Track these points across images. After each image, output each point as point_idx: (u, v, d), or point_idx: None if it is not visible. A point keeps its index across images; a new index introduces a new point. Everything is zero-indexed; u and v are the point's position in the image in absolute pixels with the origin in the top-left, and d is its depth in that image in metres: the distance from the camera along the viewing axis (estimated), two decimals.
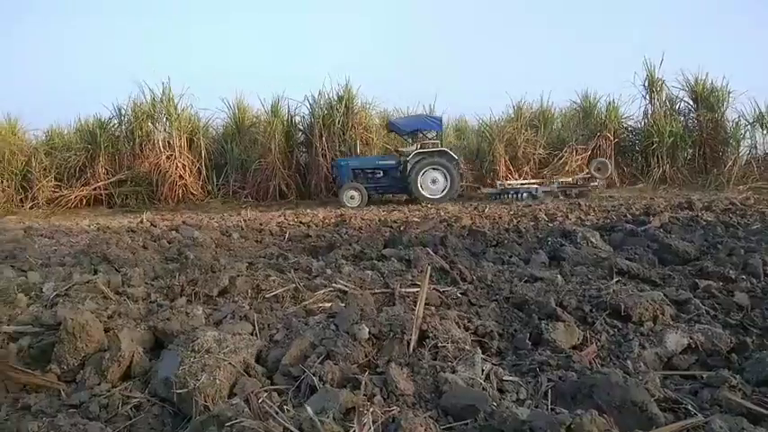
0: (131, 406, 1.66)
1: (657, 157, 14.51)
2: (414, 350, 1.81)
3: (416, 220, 6.94)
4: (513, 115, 16.05)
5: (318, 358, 1.75)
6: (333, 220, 7.73)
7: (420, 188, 12.02)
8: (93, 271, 3.86)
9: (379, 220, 7.40)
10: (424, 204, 11.25)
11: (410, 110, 16.84)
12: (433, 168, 12.07)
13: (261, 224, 7.54)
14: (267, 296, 2.69)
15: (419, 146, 12.65)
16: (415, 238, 4.46)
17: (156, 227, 7.54)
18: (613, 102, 15.63)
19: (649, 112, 15.61)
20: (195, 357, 1.69)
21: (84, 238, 6.47)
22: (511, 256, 3.60)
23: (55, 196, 15.34)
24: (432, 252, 3.53)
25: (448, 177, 12.07)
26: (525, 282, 2.78)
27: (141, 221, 8.70)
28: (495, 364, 1.79)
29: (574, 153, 14.76)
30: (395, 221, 7.06)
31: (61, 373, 1.89)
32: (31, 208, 15.21)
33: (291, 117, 16.31)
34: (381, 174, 12.92)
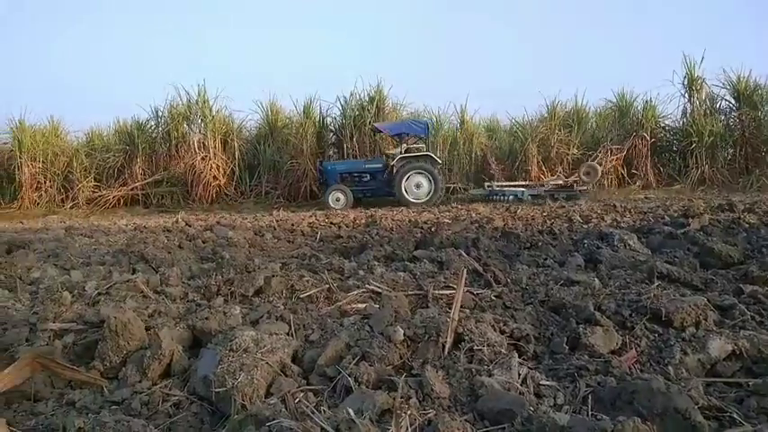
0: (171, 404, 1.70)
1: (696, 157, 14.11)
2: (449, 353, 1.80)
3: (447, 221, 6.90)
4: (546, 115, 15.83)
5: (354, 359, 1.76)
6: (363, 221, 7.75)
7: (404, 192, 12.24)
8: (131, 270, 3.97)
9: (409, 221, 7.39)
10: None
11: (441, 110, 16.81)
12: (418, 172, 12.27)
13: (293, 224, 7.61)
14: (301, 296, 2.72)
15: (404, 150, 12.78)
16: (447, 240, 4.44)
17: (190, 227, 7.70)
18: (650, 100, 15.27)
19: (688, 110, 15.19)
20: (233, 356, 1.72)
21: (121, 237, 6.63)
22: (546, 259, 3.54)
23: (94, 196, 15.83)
24: (464, 254, 3.51)
25: (432, 181, 12.25)
26: (561, 285, 2.73)
27: (176, 221, 8.91)
28: (532, 369, 1.76)
29: (608, 153, 14.46)
30: (425, 222, 7.04)
31: (104, 370, 1.95)
32: (71, 208, 15.74)
33: (323, 118, 16.47)
34: (368, 177, 13.11)
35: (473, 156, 15.86)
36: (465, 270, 2.14)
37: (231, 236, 5.84)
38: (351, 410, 1.31)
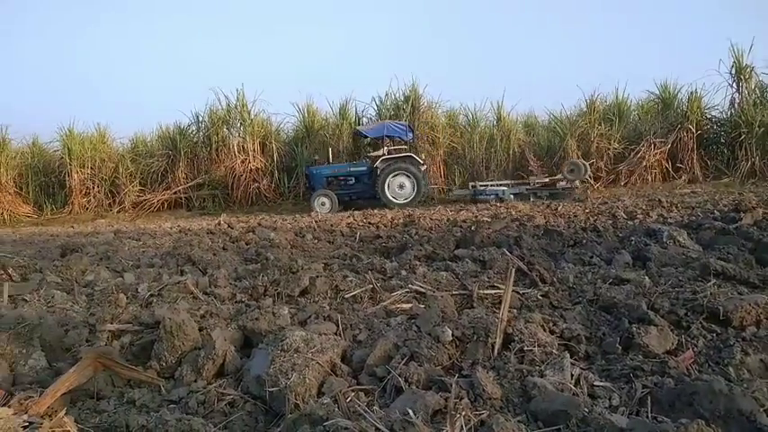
0: (226, 403, 1.74)
1: (746, 149, 13.55)
2: (498, 353, 1.79)
3: (487, 219, 6.84)
4: (585, 109, 15.48)
5: (402, 359, 1.76)
6: (401, 221, 7.76)
7: (388, 193, 12.50)
8: (179, 272, 4.09)
9: (447, 220, 7.35)
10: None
11: (477, 107, 16.68)
12: (400, 174, 12.49)
13: (331, 225, 7.68)
14: (346, 296, 2.75)
15: (386, 152, 12.93)
16: (488, 238, 4.40)
17: (233, 228, 7.87)
18: (696, 91, 14.71)
19: (736, 101, 14.59)
20: (285, 356, 1.75)
21: (167, 240, 6.83)
22: (592, 257, 3.47)
23: (139, 200, 16.37)
24: (507, 252, 3.47)
25: (414, 182, 12.48)
26: (610, 284, 2.67)
27: (219, 223, 9.12)
28: (584, 369, 1.73)
29: (652, 147, 14.04)
30: (464, 221, 6.99)
31: (160, 370, 2.01)
32: (118, 212, 16.34)
33: (359, 119, 16.56)
34: (354, 180, 13.38)
35: (511, 152, 15.67)
36: (513, 269, 2.11)
37: (273, 237, 5.94)
38: (410, 411, 1.31)
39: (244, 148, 16.07)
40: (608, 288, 2.56)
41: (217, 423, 1.62)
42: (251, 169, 15.84)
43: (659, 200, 8.29)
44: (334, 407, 1.52)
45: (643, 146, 14.13)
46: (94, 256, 5.12)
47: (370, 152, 14.28)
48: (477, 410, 1.45)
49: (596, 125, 14.70)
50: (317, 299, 2.80)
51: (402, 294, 2.64)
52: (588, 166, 12.69)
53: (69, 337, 2.33)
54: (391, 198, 12.47)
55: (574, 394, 1.55)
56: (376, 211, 10.91)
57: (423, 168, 12.75)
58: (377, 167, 12.68)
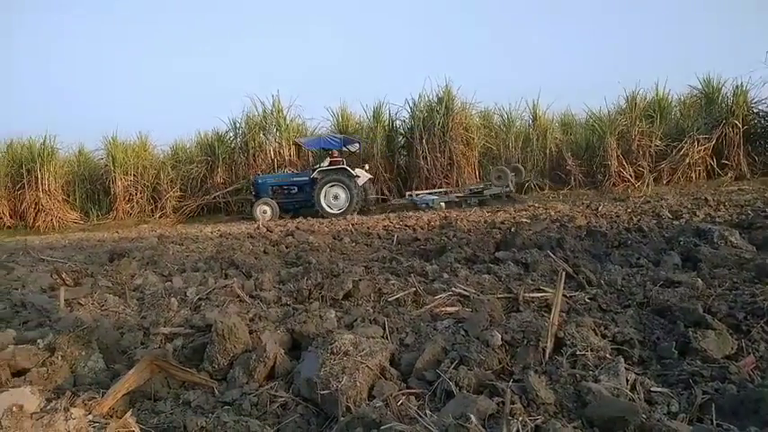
0: (278, 404, 1.77)
1: None
2: (550, 358, 1.77)
3: (526, 220, 6.75)
4: (625, 106, 15.08)
5: (452, 363, 1.76)
6: (438, 223, 7.73)
7: (323, 203, 12.90)
8: (223, 275, 4.18)
9: (485, 222, 7.29)
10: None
11: (512, 106, 16.50)
12: (335, 185, 12.89)
13: (368, 228, 7.71)
14: (389, 300, 2.75)
15: (327, 163, 13.37)
16: (529, 240, 4.34)
17: (272, 232, 7.99)
18: (741, 85, 14.13)
19: None
20: (334, 360, 1.77)
21: (209, 244, 6.97)
22: (638, 258, 3.38)
23: (179, 205, 16.78)
24: (551, 254, 3.42)
25: (347, 193, 12.84)
26: (660, 286, 2.60)
27: (258, 227, 9.26)
28: (639, 374, 1.69)
29: (695, 144, 13.58)
30: (502, 223, 6.92)
31: (212, 372, 2.06)
32: (159, 217, 16.79)
33: (392, 121, 16.60)
34: (296, 189, 13.88)
35: (547, 152, 15.42)
36: (563, 273, 2.08)
37: (312, 240, 6.01)
38: (471, 415, 1.30)
39: (280, 152, 16.32)
40: (659, 290, 2.49)
41: (270, 425, 1.65)
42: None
43: (705, 198, 8.02)
44: (386, 410, 1.53)
45: (686, 143, 13.67)
46: (141, 260, 5.27)
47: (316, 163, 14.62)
48: (531, 415, 1.44)
49: (637, 122, 14.30)
50: (360, 302, 2.81)
51: (446, 298, 2.63)
52: (521, 172, 13.14)
53: (125, 339, 2.41)
54: (326, 208, 12.90)
55: (630, 400, 1.51)
56: (411, 213, 10.91)
57: (357, 180, 13.03)
58: (315, 178, 13.19)
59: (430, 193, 13.39)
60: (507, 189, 12.51)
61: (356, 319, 2.39)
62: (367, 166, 14.28)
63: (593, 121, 15.66)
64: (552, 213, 7.72)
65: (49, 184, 17.44)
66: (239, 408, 1.76)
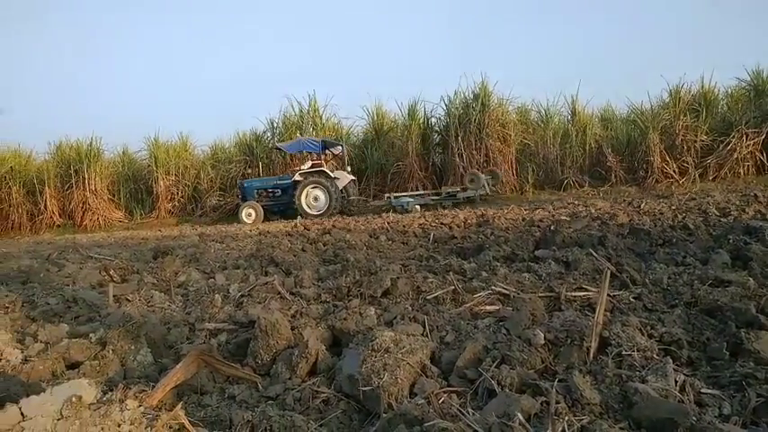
0: (321, 400, 1.79)
1: None
2: (594, 357, 1.74)
3: (565, 218, 6.63)
4: (668, 100, 14.59)
5: (493, 362, 1.75)
6: (475, 221, 7.67)
7: (303, 205, 13.41)
8: (264, 273, 4.25)
9: (523, 219, 7.19)
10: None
11: (550, 101, 16.23)
12: (314, 187, 13.42)
13: (404, 226, 7.71)
14: (428, 298, 2.75)
15: (309, 166, 13.88)
16: (569, 238, 4.26)
17: (309, 230, 8.09)
18: None
19: None
20: (376, 356, 1.78)
21: (249, 242, 7.10)
22: (685, 257, 3.28)
23: (219, 204, 17.16)
24: (593, 253, 3.35)
25: (326, 194, 13.35)
26: (709, 285, 2.51)
27: (295, 225, 9.39)
28: (689, 375, 1.64)
29: (744, 138, 13.04)
30: (541, 220, 6.81)
31: (256, 367, 2.11)
32: (200, 216, 17.19)
33: (428, 119, 16.57)
34: (280, 192, 14.45)
35: (587, 148, 15.09)
36: (608, 271, 2.04)
37: (348, 238, 6.05)
38: (517, 414, 1.30)
39: None
40: (707, 290, 2.41)
41: (313, 420, 1.67)
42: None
43: (755, 195, 7.71)
44: (428, 408, 1.53)
45: (734, 137, 13.16)
46: (184, 258, 5.41)
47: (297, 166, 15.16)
48: (576, 415, 1.42)
49: (681, 116, 13.83)
50: (398, 300, 2.82)
51: (485, 296, 2.61)
52: (498, 176, 13.69)
53: (171, 334, 2.49)
54: (307, 209, 13.38)
55: (679, 401, 1.47)
56: (447, 211, 10.85)
57: (337, 182, 13.58)
58: (296, 180, 13.66)
59: (408, 196, 13.78)
60: (482, 192, 12.93)
61: (396, 317, 2.40)
62: (349, 168, 14.85)
63: (634, 116, 15.25)
64: (593, 211, 7.55)
65: (95, 184, 18.11)
66: (283, 403, 1.79)
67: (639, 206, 7.73)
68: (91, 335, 2.56)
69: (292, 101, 17.15)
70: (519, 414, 1.31)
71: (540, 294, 2.57)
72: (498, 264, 3.59)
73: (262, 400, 1.85)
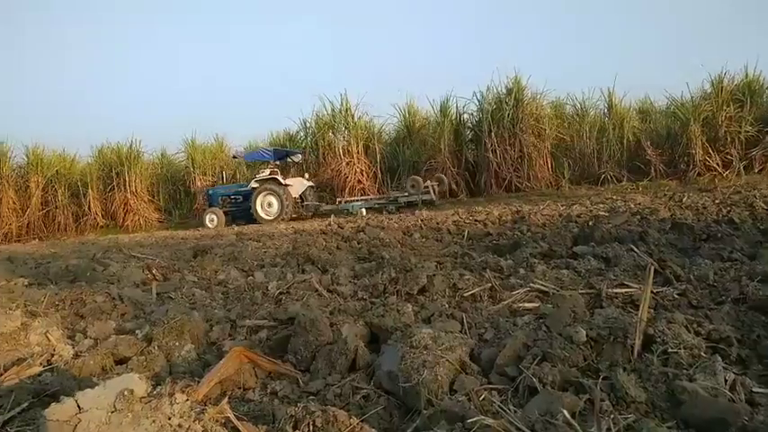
0: (361, 396, 1.81)
1: None
2: (639, 355, 1.70)
3: (604, 213, 6.49)
4: (710, 90, 14.08)
5: (534, 360, 1.73)
6: (510, 218, 7.58)
7: (259, 210, 13.97)
8: (300, 270, 4.31)
9: (559, 215, 7.07)
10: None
11: (586, 95, 15.89)
12: (268, 194, 13.99)
13: (437, 223, 7.67)
14: (465, 295, 2.74)
15: (268, 173, 14.45)
16: (609, 234, 4.17)
17: (343, 228, 8.14)
18: None
19: None
20: (415, 353, 1.79)
21: (285, 240, 7.20)
22: (731, 252, 3.18)
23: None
24: (634, 248, 3.27)
25: (278, 201, 13.88)
26: (759, 281, 2.42)
27: (329, 224, 9.46)
28: (739, 374, 1.59)
29: None
30: (578, 216, 6.68)
31: (296, 363, 2.14)
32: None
33: (460, 115, 16.43)
34: (241, 199, 15.04)
35: (625, 141, 14.71)
36: (652, 267, 1.99)
37: (383, 236, 6.06)
38: (565, 412, 1.28)
39: (348, 150, 16.55)
40: (757, 286, 2.33)
41: (355, 415, 1.69)
42: (356, 171, 16.29)
43: None
44: (469, 404, 1.53)
45: None
46: (223, 256, 5.53)
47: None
48: (621, 414, 1.39)
49: (724, 107, 13.32)
50: (435, 297, 2.82)
51: (524, 293, 2.59)
52: (444, 181, 14.10)
53: (214, 331, 2.55)
54: (262, 214, 13.95)
55: (730, 400, 1.43)
56: (480, 208, 10.75)
57: (289, 188, 14.15)
58: (253, 188, 14.28)
59: (356, 200, 14.44)
60: (428, 197, 13.30)
61: (433, 314, 2.40)
62: (307, 175, 15.59)
63: (674, 108, 14.77)
64: (632, 206, 7.37)
65: (135, 186, 18.64)
66: (324, 398, 1.82)
67: (681, 200, 7.50)
68: (137, 331, 2.65)
69: (324, 101, 17.28)
70: (565, 411, 1.29)
71: (580, 291, 2.53)
72: (536, 260, 3.55)
73: (303, 396, 1.88)
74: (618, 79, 16.17)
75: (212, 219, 14.67)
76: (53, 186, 18.76)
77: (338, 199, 14.64)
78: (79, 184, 18.94)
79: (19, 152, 18.96)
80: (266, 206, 14.02)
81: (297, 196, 14.57)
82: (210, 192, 15.96)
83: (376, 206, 13.82)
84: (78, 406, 1.29)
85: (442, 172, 15.49)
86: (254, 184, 14.35)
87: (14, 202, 18.03)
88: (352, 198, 14.71)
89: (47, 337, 2.76)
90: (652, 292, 2.42)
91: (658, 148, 14.14)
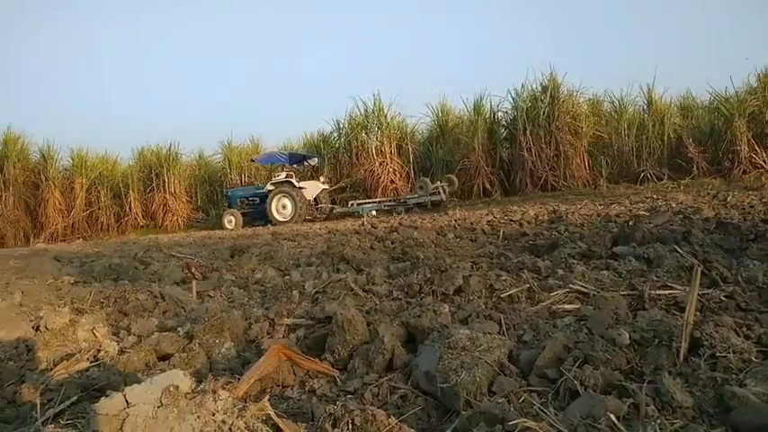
0: (398, 396, 1.82)
1: None
2: (685, 359, 1.65)
3: (644, 213, 6.32)
4: (756, 85, 13.55)
5: (575, 362, 1.70)
6: (546, 217, 7.46)
7: (273, 212, 14.47)
8: (335, 270, 4.34)
9: (597, 215, 6.93)
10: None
11: (624, 91, 15.52)
12: (283, 196, 14.45)
13: (471, 223, 7.61)
14: (502, 296, 2.71)
15: (284, 176, 14.92)
16: (650, 234, 4.06)
17: (376, 228, 8.16)
18: None
19: None
20: (452, 354, 1.78)
21: (319, 240, 7.26)
22: None
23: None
24: (677, 249, 3.18)
25: (292, 203, 14.34)
26: None
27: (362, 224, 9.50)
28: None
29: None
30: (617, 216, 6.53)
31: (333, 362, 2.16)
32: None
33: (494, 114, 16.28)
34: (259, 200, 15.59)
35: (665, 138, 14.29)
36: (698, 268, 1.93)
37: (416, 236, 6.05)
38: (612, 416, 1.26)
39: (381, 150, 16.61)
40: None
41: (391, 415, 1.70)
42: (388, 171, 16.32)
43: None
44: (509, 406, 1.52)
45: None
46: (259, 255, 5.62)
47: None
48: (667, 419, 1.36)
49: None
50: (471, 298, 2.80)
51: (563, 294, 2.54)
52: (454, 182, 13.97)
53: (252, 329, 2.59)
54: (276, 216, 14.42)
55: None
56: (516, 207, 10.62)
57: (303, 191, 14.60)
58: (269, 190, 14.81)
59: (368, 203, 14.72)
60: (437, 198, 13.40)
61: (470, 315, 2.38)
62: (322, 178, 16.03)
63: (717, 103, 14.27)
64: (674, 205, 7.15)
65: (174, 187, 19.15)
66: (361, 397, 1.83)
67: (726, 199, 7.25)
68: (179, 329, 2.71)
69: (357, 101, 17.38)
70: (611, 415, 1.27)
71: (622, 293, 2.47)
72: (574, 261, 3.49)
73: (341, 395, 1.89)
74: (658, 74, 15.75)
75: (230, 220, 15.23)
76: (96, 188, 19.44)
77: (350, 202, 14.94)
78: (121, 185, 19.58)
79: (64, 155, 19.69)
80: (281, 208, 14.53)
81: (311, 199, 15.05)
82: (229, 193, 16.50)
83: (385, 208, 14.13)
84: (126, 401, 1.33)
85: (476, 171, 15.40)
86: (269, 187, 14.88)
87: (60, 203, 18.74)
88: (364, 201, 15.05)
89: (93, 333, 2.86)
90: (698, 294, 2.34)
91: (701, 145, 13.71)
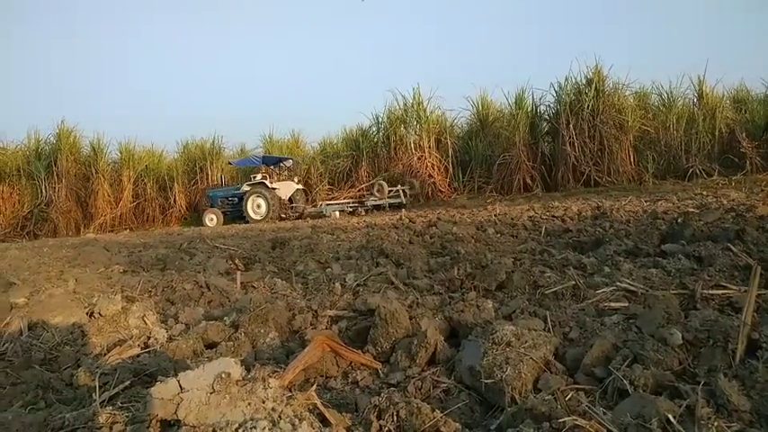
0: (441, 390, 1.82)
1: None
2: (741, 361, 1.59)
3: (694, 210, 6.10)
4: None
5: (624, 361, 1.66)
6: (590, 213, 7.29)
7: (249, 212, 15.39)
8: (375, 263, 4.36)
9: (644, 212, 6.72)
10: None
11: (673, 84, 14.98)
12: (257, 196, 15.41)
13: (512, 219, 7.51)
14: (546, 292, 2.67)
15: (260, 178, 15.95)
16: (701, 232, 3.92)
17: (414, 223, 8.15)
18: None
19: None
20: (497, 350, 1.77)
21: (358, 234, 7.30)
22: None
23: (328, 198, 17.83)
24: (731, 247, 3.06)
25: (266, 203, 15.28)
26: None
27: (400, 218, 9.50)
28: None
29: None
30: (665, 213, 6.32)
31: (376, 354, 2.18)
32: (311, 208, 17.99)
33: (536, 107, 15.96)
34: (237, 200, 16.34)
35: (716, 133, 13.73)
36: (758, 267, 1.85)
37: (455, 231, 6.02)
38: (670, 416, 1.23)
39: (420, 145, 16.55)
40: None
41: (435, 409, 1.70)
42: (427, 165, 16.26)
43: None
44: (555, 404, 1.50)
45: None
46: (300, 248, 5.70)
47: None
48: (723, 422, 1.31)
49: None
50: (514, 294, 2.77)
51: (610, 292, 2.48)
52: (415, 185, 15.28)
53: (296, 320, 2.64)
54: (252, 215, 15.33)
55: None
56: (557, 203, 10.42)
57: (276, 192, 15.52)
58: (245, 191, 15.76)
59: (333, 204, 15.61)
60: (396, 200, 14.76)
61: (514, 311, 2.36)
62: (296, 179, 17.05)
63: None
64: (725, 202, 6.88)
65: (217, 180, 19.62)
66: (404, 390, 1.83)
67: None
68: (225, 318, 2.78)
69: (397, 95, 17.35)
70: (669, 415, 1.24)
71: (672, 291, 2.40)
72: (621, 258, 3.40)
73: (384, 387, 1.91)
74: (709, 66, 15.12)
75: (212, 218, 16.21)
76: (143, 180, 20.05)
77: (319, 202, 15.99)
78: (166, 177, 20.15)
79: (113, 148, 20.41)
80: (256, 207, 15.49)
81: (285, 198, 16.00)
82: (211, 194, 17.43)
83: (348, 209, 15.20)
84: (180, 386, 1.38)
85: (517, 166, 15.16)
86: (245, 188, 15.90)
87: (109, 195, 19.41)
88: (329, 202, 16.02)
89: (144, 320, 2.96)
90: (756, 294, 2.25)
91: (755, 140, 13.10)
